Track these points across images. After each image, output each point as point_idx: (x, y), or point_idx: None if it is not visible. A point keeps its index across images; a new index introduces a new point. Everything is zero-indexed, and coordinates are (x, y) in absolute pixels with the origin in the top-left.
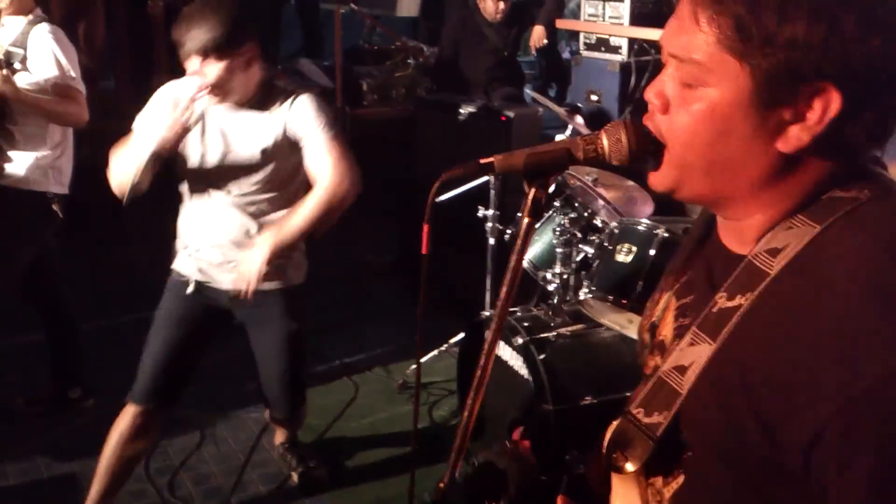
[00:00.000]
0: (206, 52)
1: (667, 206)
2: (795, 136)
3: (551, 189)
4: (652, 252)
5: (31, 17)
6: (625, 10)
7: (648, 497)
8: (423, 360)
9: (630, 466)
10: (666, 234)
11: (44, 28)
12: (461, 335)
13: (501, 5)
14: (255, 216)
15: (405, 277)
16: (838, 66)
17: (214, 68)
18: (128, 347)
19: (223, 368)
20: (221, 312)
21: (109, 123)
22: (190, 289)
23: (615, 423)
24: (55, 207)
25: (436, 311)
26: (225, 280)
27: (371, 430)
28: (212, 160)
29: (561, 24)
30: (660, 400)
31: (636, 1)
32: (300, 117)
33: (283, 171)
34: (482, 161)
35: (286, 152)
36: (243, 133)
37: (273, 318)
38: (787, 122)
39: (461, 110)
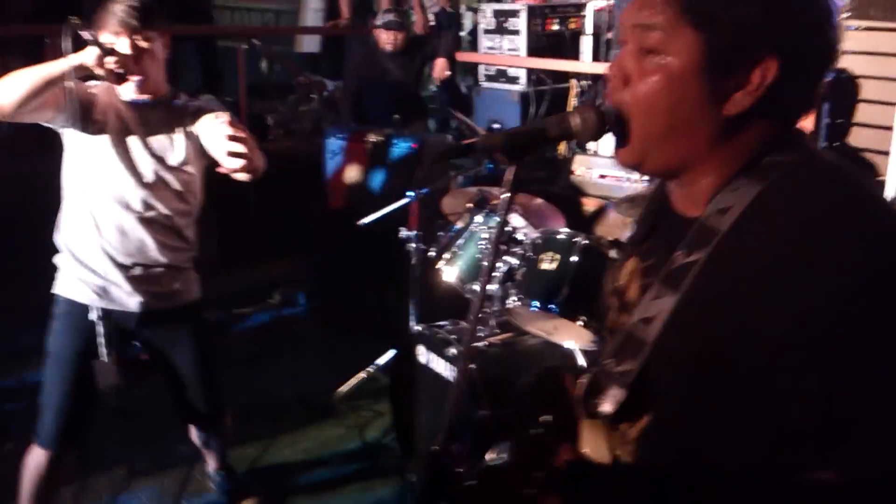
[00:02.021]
0: (133, 28)
1: (574, 221)
2: (739, 101)
3: (473, 206)
4: (574, 258)
5: None
6: (521, 42)
7: (615, 442)
8: (348, 384)
9: (607, 408)
10: (586, 242)
11: None
12: (387, 355)
13: (394, 36)
14: (164, 230)
15: (322, 308)
16: (777, 40)
17: (140, 44)
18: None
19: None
20: (125, 337)
21: None
22: (92, 315)
23: (586, 376)
24: None
25: (355, 340)
26: (132, 302)
27: (306, 455)
28: (127, 170)
29: (462, 56)
30: (629, 350)
31: (532, 34)
32: (207, 114)
33: (194, 181)
34: (465, 142)
35: (197, 157)
36: (160, 141)
37: (183, 332)
38: (732, 88)
39: (371, 140)
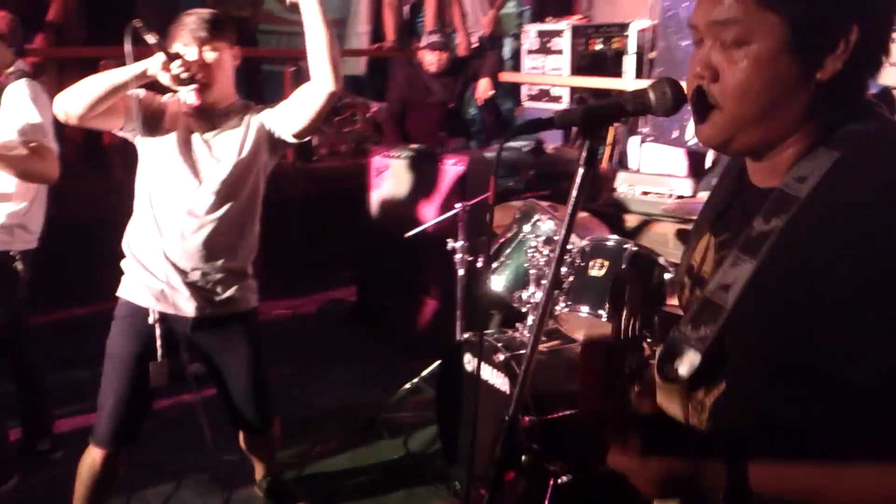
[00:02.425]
0: (202, 39)
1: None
2: (831, 65)
3: (520, 217)
4: (623, 266)
5: (11, 69)
6: (565, 61)
7: (690, 409)
8: (393, 397)
9: (683, 372)
10: (635, 249)
11: (21, 84)
12: (433, 366)
13: (439, 56)
14: (226, 232)
15: (365, 323)
16: (857, 6)
17: (209, 54)
18: (92, 399)
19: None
20: (181, 342)
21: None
22: (151, 319)
23: (664, 341)
24: (18, 266)
25: (400, 351)
26: (189, 307)
27: (350, 463)
28: (191, 175)
29: (505, 76)
30: (707, 316)
31: (576, 53)
32: (267, 109)
33: (258, 177)
34: (543, 118)
35: (263, 151)
36: (225, 145)
37: (237, 339)
38: (823, 55)
39: (416, 159)
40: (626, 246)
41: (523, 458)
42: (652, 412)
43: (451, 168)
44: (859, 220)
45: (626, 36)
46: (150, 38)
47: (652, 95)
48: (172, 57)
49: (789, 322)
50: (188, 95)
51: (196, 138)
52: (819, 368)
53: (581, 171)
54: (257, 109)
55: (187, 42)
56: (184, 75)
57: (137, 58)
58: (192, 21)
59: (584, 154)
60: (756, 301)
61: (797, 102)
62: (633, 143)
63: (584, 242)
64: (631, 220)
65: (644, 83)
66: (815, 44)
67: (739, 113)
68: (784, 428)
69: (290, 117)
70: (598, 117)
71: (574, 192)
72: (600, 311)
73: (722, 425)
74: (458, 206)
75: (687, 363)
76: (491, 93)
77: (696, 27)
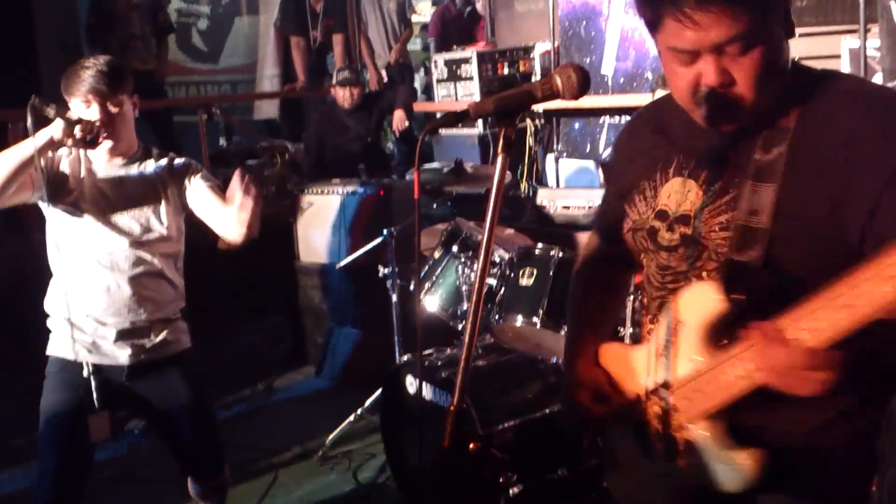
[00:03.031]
0: (103, 94)
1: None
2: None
3: (447, 237)
4: (552, 272)
5: None
6: (475, 87)
7: None
8: (337, 431)
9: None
10: (561, 255)
11: None
12: (375, 395)
13: (351, 92)
14: (152, 282)
15: (304, 360)
16: None
17: (111, 109)
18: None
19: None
20: (118, 392)
21: None
22: (85, 372)
23: (716, 273)
24: None
25: (340, 387)
26: (123, 355)
27: (302, 502)
28: (109, 230)
29: (419, 106)
30: (749, 240)
31: (484, 78)
32: (182, 165)
33: (178, 224)
34: (458, 111)
35: (178, 211)
36: (137, 197)
37: (176, 382)
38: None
39: (339, 192)
40: (552, 252)
41: (471, 445)
42: None
43: (375, 198)
44: (854, 128)
45: (532, 58)
46: (50, 112)
47: (559, 80)
48: (74, 123)
49: (823, 221)
50: (99, 157)
51: (106, 194)
52: (855, 253)
53: (500, 157)
54: (159, 155)
55: (87, 99)
56: (88, 138)
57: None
58: (90, 76)
59: (500, 142)
60: (790, 214)
61: (785, 72)
62: (550, 160)
63: (512, 253)
64: (554, 235)
65: (553, 104)
66: (786, 26)
67: (760, 101)
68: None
69: (198, 205)
70: (510, 106)
71: (497, 177)
72: (534, 319)
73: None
74: (385, 232)
75: (747, 285)
76: (406, 124)
77: (690, 50)
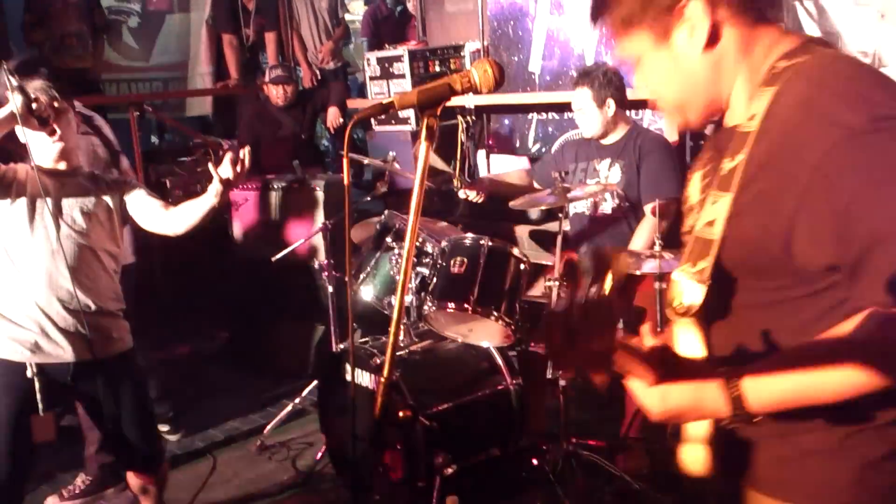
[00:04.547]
0: (52, 95)
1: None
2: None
3: (381, 229)
4: (482, 260)
5: None
6: (407, 84)
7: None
8: (275, 420)
9: (689, 302)
10: (490, 243)
11: None
12: (312, 384)
13: (284, 89)
14: (94, 274)
15: (241, 355)
16: None
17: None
18: None
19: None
20: (61, 391)
21: None
22: (29, 373)
23: (670, 280)
24: None
25: (277, 379)
26: (68, 353)
27: (240, 492)
28: (44, 211)
29: (352, 103)
30: (700, 251)
31: (416, 76)
32: (119, 179)
33: (116, 228)
34: (384, 102)
35: (119, 219)
36: (73, 186)
37: (121, 378)
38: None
39: (272, 188)
40: (482, 242)
41: (400, 413)
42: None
43: (308, 192)
44: (796, 134)
45: (462, 56)
46: (14, 81)
47: (475, 74)
48: (32, 99)
49: (765, 229)
50: (45, 157)
51: (49, 193)
52: (792, 265)
53: (424, 145)
54: (109, 180)
55: (37, 96)
56: (43, 115)
57: None
58: (39, 82)
59: (423, 131)
60: (738, 225)
61: (702, 73)
62: (481, 155)
63: (444, 243)
64: (485, 227)
65: (482, 100)
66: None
67: (676, 104)
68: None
69: (139, 212)
70: (431, 98)
71: (420, 162)
72: (465, 305)
73: (722, 346)
74: (319, 224)
75: (691, 296)
76: (341, 120)
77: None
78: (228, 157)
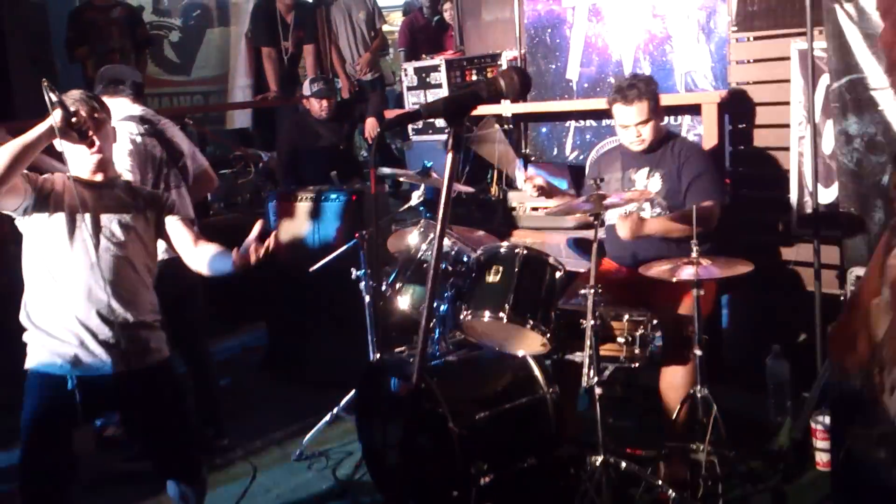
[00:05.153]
0: (92, 107)
1: None
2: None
3: (417, 239)
4: (517, 268)
5: None
6: (443, 94)
7: None
8: (314, 430)
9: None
10: (526, 251)
11: None
12: (350, 394)
13: (325, 103)
14: (131, 286)
15: (280, 366)
16: None
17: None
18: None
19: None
20: (102, 402)
21: None
22: (70, 385)
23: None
24: None
25: (316, 389)
26: (108, 365)
27: (279, 501)
28: (81, 223)
29: (390, 113)
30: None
31: (453, 85)
32: (158, 195)
33: (142, 239)
34: (410, 111)
35: (154, 233)
36: (110, 199)
37: (161, 389)
38: None
39: (311, 199)
40: (517, 250)
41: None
42: None
43: (347, 203)
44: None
45: (499, 65)
46: (54, 97)
47: (502, 82)
48: (71, 113)
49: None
50: (83, 168)
51: (87, 205)
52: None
53: (450, 155)
54: (146, 194)
55: (77, 107)
56: (82, 129)
57: None
58: (77, 93)
59: (450, 140)
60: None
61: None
62: (518, 164)
63: (479, 252)
64: (523, 236)
65: (520, 108)
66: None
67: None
68: None
69: (172, 238)
70: (458, 106)
71: (447, 174)
72: (501, 315)
73: None
74: (357, 235)
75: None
76: (378, 131)
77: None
78: (256, 228)
